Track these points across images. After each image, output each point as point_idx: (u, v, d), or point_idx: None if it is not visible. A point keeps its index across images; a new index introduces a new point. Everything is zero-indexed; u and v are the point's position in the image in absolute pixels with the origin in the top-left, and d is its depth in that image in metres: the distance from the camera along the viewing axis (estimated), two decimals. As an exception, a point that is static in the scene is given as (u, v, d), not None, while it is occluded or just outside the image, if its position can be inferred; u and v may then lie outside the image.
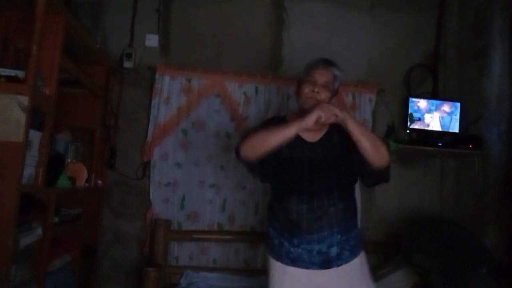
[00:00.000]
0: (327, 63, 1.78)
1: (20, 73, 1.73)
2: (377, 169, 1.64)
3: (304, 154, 1.74)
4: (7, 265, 1.64)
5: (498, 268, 2.34)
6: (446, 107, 2.90)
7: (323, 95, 1.71)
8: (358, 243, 1.77)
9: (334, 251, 1.70)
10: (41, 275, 1.94)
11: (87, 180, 2.47)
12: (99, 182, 2.71)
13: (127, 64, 2.89)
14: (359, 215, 2.80)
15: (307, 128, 1.68)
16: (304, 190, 1.72)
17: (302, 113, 1.73)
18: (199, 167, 2.86)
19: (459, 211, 2.88)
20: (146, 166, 2.86)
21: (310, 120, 1.58)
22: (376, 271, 2.62)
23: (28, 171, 1.78)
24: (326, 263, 1.70)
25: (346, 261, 1.71)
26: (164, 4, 2.99)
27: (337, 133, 1.76)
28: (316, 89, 1.71)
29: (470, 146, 2.73)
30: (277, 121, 1.82)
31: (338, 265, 1.70)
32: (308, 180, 1.72)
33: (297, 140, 1.74)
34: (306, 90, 1.73)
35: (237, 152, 1.71)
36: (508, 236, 2.43)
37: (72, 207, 2.41)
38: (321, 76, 1.73)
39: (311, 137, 1.77)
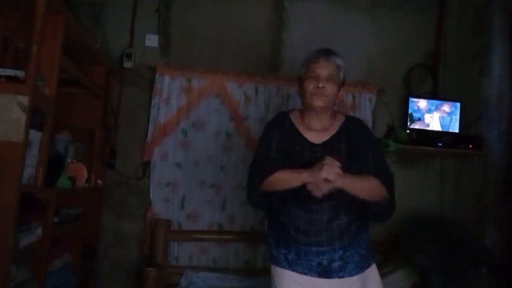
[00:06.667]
0: (328, 53, 1.63)
1: (20, 73, 1.73)
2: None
3: (304, 156, 1.59)
4: (7, 265, 1.64)
5: (498, 268, 2.34)
6: (446, 107, 2.90)
7: (330, 89, 1.59)
8: (365, 258, 1.61)
9: (336, 264, 1.56)
10: (41, 275, 1.94)
11: (87, 180, 2.48)
12: (99, 182, 2.71)
13: (127, 64, 2.88)
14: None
15: (309, 127, 1.64)
16: (301, 197, 1.54)
17: (308, 111, 1.65)
18: (199, 167, 2.86)
19: (459, 211, 2.87)
20: (146, 166, 2.86)
21: (319, 176, 1.45)
22: (376, 271, 2.63)
23: (28, 171, 1.78)
24: (326, 273, 1.56)
25: (350, 274, 1.56)
26: (164, 4, 2.99)
27: (345, 137, 1.63)
28: (320, 85, 1.57)
29: (470, 146, 2.73)
30: (281, 121, 1.69)
31: (340, 277, 1.56)
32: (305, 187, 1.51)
33: (300, 139, 1.63)
34: (310, 87, 1.59)
35: (254, 190, 1.59)
36: (508, 236, 2.43)
37: (72, 207, 2.40)
38: (324, 69, 1.59)
39: (316, 138, 1.63)
